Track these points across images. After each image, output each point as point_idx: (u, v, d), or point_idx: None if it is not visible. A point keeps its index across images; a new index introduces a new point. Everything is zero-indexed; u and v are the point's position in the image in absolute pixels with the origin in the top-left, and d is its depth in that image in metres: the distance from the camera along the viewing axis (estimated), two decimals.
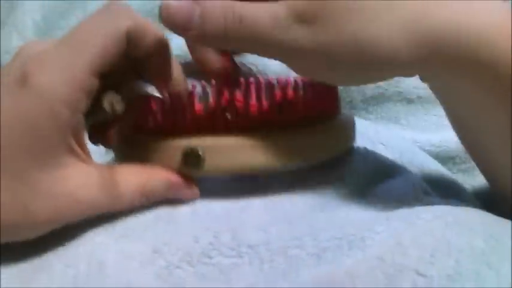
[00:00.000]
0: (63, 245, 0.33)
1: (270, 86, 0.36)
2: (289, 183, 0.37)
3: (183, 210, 0.35)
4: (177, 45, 0.45)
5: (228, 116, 0.36)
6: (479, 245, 0.28)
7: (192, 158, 0.35)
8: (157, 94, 0.36)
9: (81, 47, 0.32)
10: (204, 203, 0.36)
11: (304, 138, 0.36)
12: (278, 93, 0.36)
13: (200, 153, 0.34)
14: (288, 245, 0.31)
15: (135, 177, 0.34)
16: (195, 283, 0.30)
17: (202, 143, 0.35)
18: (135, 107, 0.36)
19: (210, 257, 0.31)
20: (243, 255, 0.31)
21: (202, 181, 0.37)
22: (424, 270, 0.27)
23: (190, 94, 0.36)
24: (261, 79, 0.37)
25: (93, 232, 0.33)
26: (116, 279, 0.30)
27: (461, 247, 0.28)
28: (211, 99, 0.36)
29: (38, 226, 0.32)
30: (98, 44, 0.32)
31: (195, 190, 0.36)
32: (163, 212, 0.35)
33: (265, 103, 0.36)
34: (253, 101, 0.36)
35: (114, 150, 0.39)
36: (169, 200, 0.36)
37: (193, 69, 0.39)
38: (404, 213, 0.32)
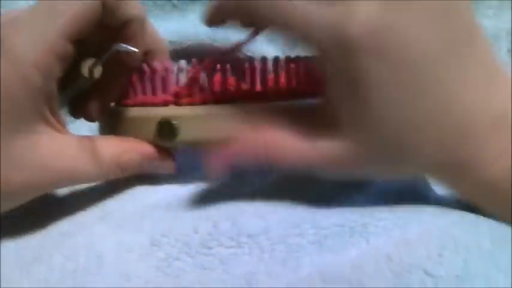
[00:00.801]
0: (62, 234, 0.33)
1: (251, 64, 0.36)
2: (287, 177, 0.37)
3: (182, 198, 0.35)
4: (173, 30, 0.44)
5: (204, 88, 0.35)
6: (486, 246, 0.28)
7: (166, 129, 0.34)
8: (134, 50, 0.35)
9: (54, 12, 0.32)
10: (202, 189, 0.35)
11: (287, 110, 0.35)
12: (260, 71, 0.36)
13: (174, 123, 0.34)
14: (288, 233, 0.31)
15: (110, 149, 0.34)
16: (194, 274, 0.30)
17: (177, 112, 0.35)
18: (114, 77, 0.36)
19: (210, 248, 0.31)
20: (243, 245, 0.31)
21: (199, 166, 0.37)
22: (433, 270, 0.27)
23: (169, 66, 0.36)
24: (245, 57, 0.36)
25: (91, 221, 0.33)
26: (115, 272, 0.30)
27: (468, 246, 0.28)
28: (189, 72, 0.35)
29: (11, 196, 0.32)
30: (72, 9, 0.32)
31: (172, 164, 0.36)
32: (161, 199, 0.35)
33: (246, 81, 0.35)
34: (230, 77, 0.35)
35: (98, 124, 0.39)
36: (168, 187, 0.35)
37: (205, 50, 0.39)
38: (408, 204, 0.32)
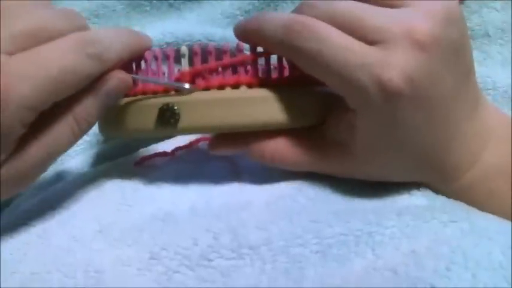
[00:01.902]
0: (60, 250, 0.32)
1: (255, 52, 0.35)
2: (289, 176, 0.36)
3: (181, 207, 0.34)
4: (169, 31, 0.44)
5: (206, 74, 0.35)
6: (497, 258, 0.27)
7: (167, 115, 0.34)
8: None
9: None
10: (202, 199, 0.35)
11: (290, 97, 0.34)
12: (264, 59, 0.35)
13: (175, 108, 0.33)
14: (290, 244, 0.30)
15: None
16: (195, 286, 0.29)
17: (178, 98, 0.34)
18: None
19: (210, 260, 0.30)
20: (244, 257, 0.30)
21: (200, 172, 0.36)
22: (440, 285, 0.26)
23: (170, 53, 0.36)
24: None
25: (89, 236, 0.33)
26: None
27: (478, 259, 0.27)
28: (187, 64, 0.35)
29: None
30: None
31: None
32: (159, 209, 0.34)
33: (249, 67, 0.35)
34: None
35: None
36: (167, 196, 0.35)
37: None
38: (417, 210, 0.32)
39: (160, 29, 0.44)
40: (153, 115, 0.34)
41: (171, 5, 0.46)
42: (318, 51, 0.32)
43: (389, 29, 0.32)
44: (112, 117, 0.36)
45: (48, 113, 0.32)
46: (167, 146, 0.40)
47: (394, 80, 0.31)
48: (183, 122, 0.34)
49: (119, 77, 0.34)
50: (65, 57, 0.31)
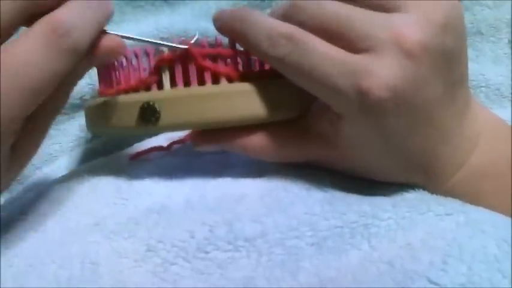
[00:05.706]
0: (55, 243, 0.32)
1: (234, 47, 0.35)
2: (282, 166, 0.36)
3: (176, 201, 0.34)
4: (164, 26, 0.44)
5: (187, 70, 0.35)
6: (492, 251, 0.27)
7: (148, 113, 0.34)
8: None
9: None
10: (197, 192, 0.35)
11: (271, 90, 0.35)
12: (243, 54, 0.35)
13: (156, 106, 0.33)
14: (286, 236, 0.30)
15: None
16: (192, 279, 0.30)
17: (159, 95, 0.34)
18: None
19: (207, 252, 0.30)
20: (240, 249, 0.30)
21: (195, 165, 0.36)
22: (436, 278, 0.27)
23: (151, 51, 0.36)
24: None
25: (84, 228, 0.33)
26: (110, 280, 0.30)
27: (473, 252, 0.27)
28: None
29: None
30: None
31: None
32: (155, 203, 0.34)
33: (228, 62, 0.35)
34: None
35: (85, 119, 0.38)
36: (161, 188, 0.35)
37: None
38: (413, 201, 0.32)
39: (154, 24, 0.44)
40: (134, 113, 0.34)
41: (165, 0, 0.46)
42: (302, 64, 0.32)
43: (377, 36, 0.31)
44: (97, 114, 0.36)
45: None
46: (162, 140, 0.40)
47: (374, 89, 0.31)
48: (163, 120, 0.34)
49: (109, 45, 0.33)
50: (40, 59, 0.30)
